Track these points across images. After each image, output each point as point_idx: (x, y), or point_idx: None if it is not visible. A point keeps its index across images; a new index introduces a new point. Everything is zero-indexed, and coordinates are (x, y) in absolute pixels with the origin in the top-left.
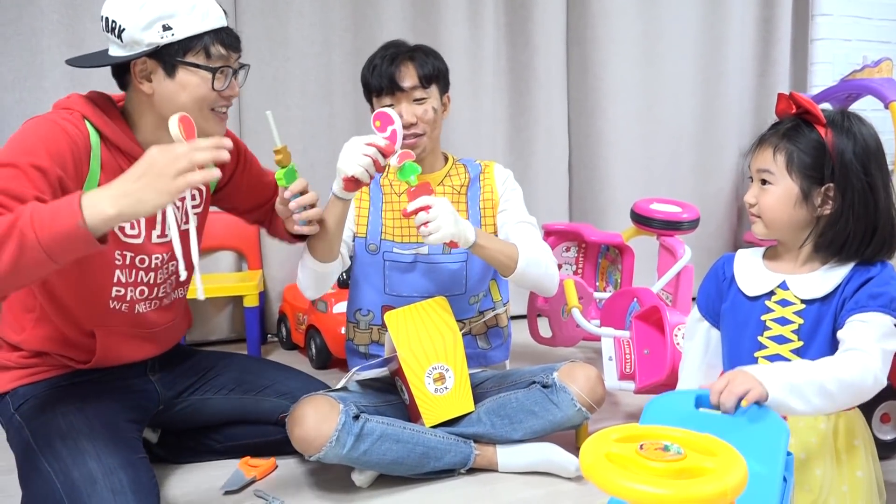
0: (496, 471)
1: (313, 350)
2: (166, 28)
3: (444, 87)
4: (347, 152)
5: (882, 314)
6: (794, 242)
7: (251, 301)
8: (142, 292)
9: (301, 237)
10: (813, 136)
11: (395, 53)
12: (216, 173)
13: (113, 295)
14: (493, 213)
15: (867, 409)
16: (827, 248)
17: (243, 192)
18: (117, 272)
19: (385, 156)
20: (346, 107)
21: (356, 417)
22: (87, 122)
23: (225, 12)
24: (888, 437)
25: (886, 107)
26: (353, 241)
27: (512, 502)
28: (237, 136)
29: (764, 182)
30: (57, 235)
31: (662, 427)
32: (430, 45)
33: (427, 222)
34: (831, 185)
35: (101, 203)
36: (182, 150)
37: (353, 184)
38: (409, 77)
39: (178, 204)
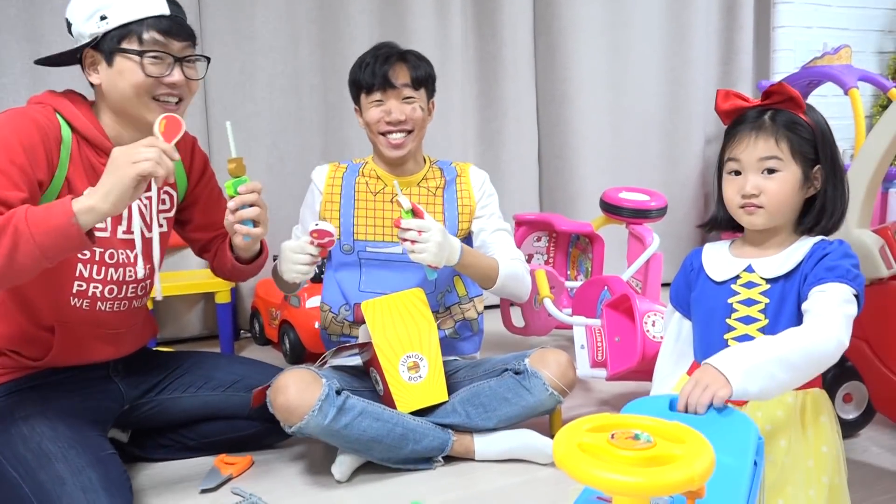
0: (473, 459)
1: (287, 345)
2: (103, 18)
3: (431, 92)
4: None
5: (839, 284)
6: (779, 227)
7: (223, 297)
8: (110, 291)
9: (240, 275)
10: (801, 122)
11: (388, 53)
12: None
13: (74, 290)
14: (469, 217)
15: (830, 389)
16: (808, 226)
17: (200, 206)
18: (79, 266)
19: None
20: (315, 99)
21: (338, 392)
22: (58, 116)
23: (175, 3)
24: (850, 417)
25: (846, 93)
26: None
27: (490, 491)
28: (202, 150)
29: (770, 171)
30: (50, 231)
31: (633, 416)
32: (397, 37)
33: (414, 242)
34: (819, 165)
35: (83, 198)
36: (140, 145)
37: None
38: (401, 76)
39: (146, 202)
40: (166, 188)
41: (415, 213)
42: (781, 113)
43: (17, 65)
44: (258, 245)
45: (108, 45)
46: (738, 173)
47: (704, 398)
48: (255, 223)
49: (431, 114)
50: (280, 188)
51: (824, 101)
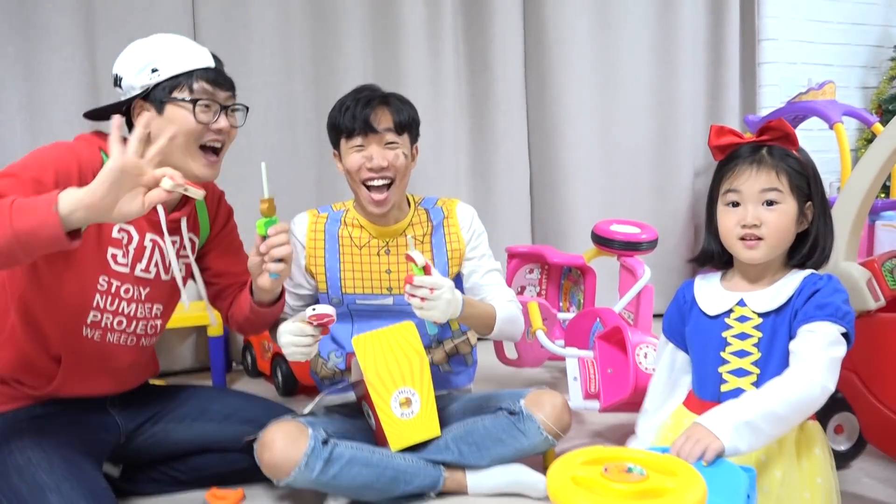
0: (466, 493)
1: (279, 378)
2: (154, 70)
3: (415, 137)
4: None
5: (828, 323)
6: (771, 261)
7: (215, 330)
8: (119, 322)
9: (257, 320)
10: (796, 157)
11: (369, 97)
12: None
13: (89, 321)
14: (459, 260)
15: (821, 420)
16: (800, 261)
17: (217, 253)
18: (97, 297)
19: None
20: (309, 134)
21: (325, 442)
22: (102, 154)
23: (217, 59)
24: (841, 448)
25: (831, 127)
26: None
27: None
28: (228, 203)
29: (771, 203)
30: (29, 213)
31: (626, 449)
32: (390, 73)
33: (424, 300)
34: (810, 201)
35: (74, 189)
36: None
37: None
38: (384, 120)
39: (169, 246)
40: (189, 235)
41: (424, 268)
42: (777, 149)
43: (14, 102)
44: (280, 288)
45: (158, 94)
46: (736, 205)
47: (696, 450)
48: (281, 261)
49: (415, 159)
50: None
51: (810, 135)
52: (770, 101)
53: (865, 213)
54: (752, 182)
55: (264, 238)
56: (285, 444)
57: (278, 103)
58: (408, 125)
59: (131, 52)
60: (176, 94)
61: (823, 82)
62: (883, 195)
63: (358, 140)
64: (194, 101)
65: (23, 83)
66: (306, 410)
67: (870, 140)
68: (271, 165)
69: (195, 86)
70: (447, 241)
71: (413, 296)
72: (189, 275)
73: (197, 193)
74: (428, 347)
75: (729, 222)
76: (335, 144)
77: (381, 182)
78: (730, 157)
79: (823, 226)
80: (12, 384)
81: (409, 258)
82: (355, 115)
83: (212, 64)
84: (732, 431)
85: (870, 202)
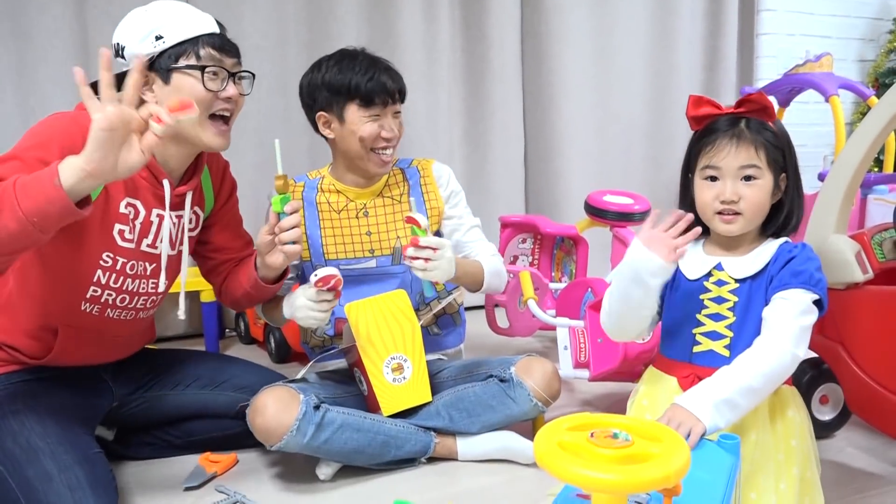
0: (456, 459)
1: (272, 344)
2: (158, 38)
3: None
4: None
5: (802, 290)
6: (747, 231)
7: (208, 296)
8: (122, 300)
9: (258, 294)
10: (772, 131)
11: (386, 65)
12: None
13: (88, 295)
14: (438, 219)
15: (807, 391)
16: (774, 230)
17: (219, 227)
18: (99, 272)
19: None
20: None
21: (317, 407)
22: None
23: (220, 25)
24: (826, 418)
25: (827, 100)
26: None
27: (472, 489)
28: (232, 175)
29: (749, 178)
30: (33, 192)
31: (611, 415)
32: (385, 38)
33: (428, 260)
34: (784, 173)
35: (72, 158)
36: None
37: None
38: (395, 90)
39: (175, 220)
40: (195, 208)
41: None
42: (754, 121)
43: (3, 61)
44: (287, 265)
45: (164, 63)
46: (714, 179)
47: (679, 433)
48: (294, 241)
49: None
50: (267, 187)
51: (805, 107)
52: (767, 72)
53: (857, 186)
54: (732, 159)
55: (279, 215)
56: (277, 409)
57: (271, 68)
58: (405, 93)
59: (132, 20)
60: (182, 62)
61: (821, 54)
62: (876, 169)
63: (377, 110)
64: (202, 69)
65: (11, 43)
66: (298, 376)
67: (865, 114)
68: (264, 131)
69: (202, 52)
70: (426, 201)
71: (416, 258)
72: (192, 247)
73: (190, 117)
74: (416, 311)
75: (707, 196)
76: (337, 107)
77: (390, 150)
78: (707, 129)
79: (796, 197)
80: (7, 350)
81: (412, 220)
82: (379, 84)
83: (216, 29)
84: (712, 411)
85: (861, 175)
